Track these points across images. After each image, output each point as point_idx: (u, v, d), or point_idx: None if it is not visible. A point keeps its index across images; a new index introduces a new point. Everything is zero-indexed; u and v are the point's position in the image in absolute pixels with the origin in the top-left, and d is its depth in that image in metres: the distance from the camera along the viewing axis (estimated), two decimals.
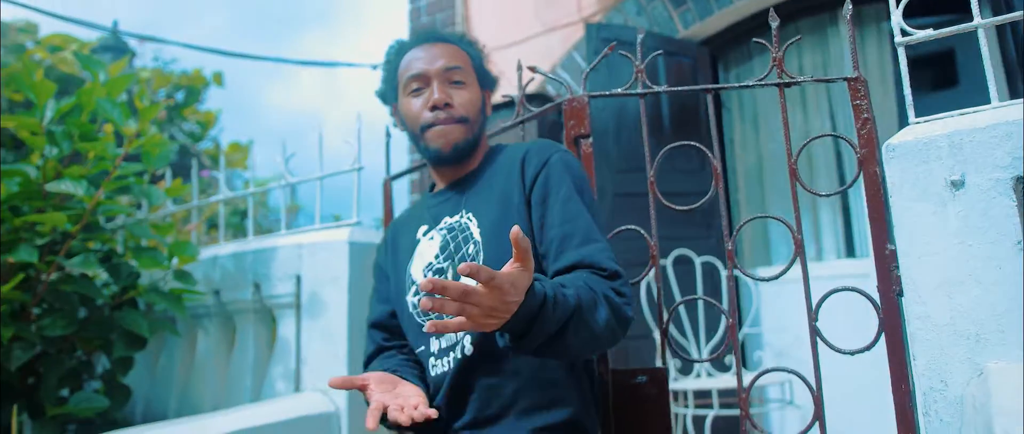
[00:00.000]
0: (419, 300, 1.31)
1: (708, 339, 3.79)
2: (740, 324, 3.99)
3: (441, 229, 1.50)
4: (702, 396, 3.57)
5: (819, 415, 1.49)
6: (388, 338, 1.55)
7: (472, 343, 1.37)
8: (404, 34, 5.89)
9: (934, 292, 1.31)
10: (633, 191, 4.00)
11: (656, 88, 1.78)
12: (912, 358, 1.34)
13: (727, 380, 3.45)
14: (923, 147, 1.34)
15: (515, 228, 1.02)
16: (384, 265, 1.62)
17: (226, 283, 2.52)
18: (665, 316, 1.68)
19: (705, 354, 3.76)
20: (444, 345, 1.41)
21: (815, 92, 4.16)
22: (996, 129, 1.27)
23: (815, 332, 1.51)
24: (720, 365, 3.88)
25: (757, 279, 1.57)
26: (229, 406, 2.39)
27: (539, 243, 1.40)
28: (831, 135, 1.55)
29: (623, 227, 1.73)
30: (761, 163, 4.36)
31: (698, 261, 3.77)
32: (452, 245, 1.46)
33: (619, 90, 1.81)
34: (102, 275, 2.41)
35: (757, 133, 4.42)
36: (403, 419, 1.14)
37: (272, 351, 2.41)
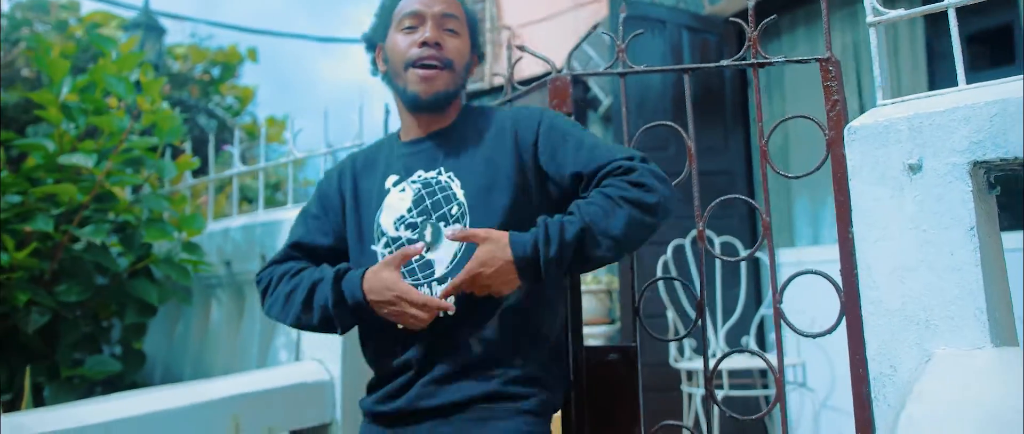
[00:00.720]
0: (395, 249, 1.42)
1: (725, 320, 3.78)
2: (757, 305, 3.96)
3: (414, 182, 1.48)
4: (713, 376, 3.56)
5: (780, 397, 1.49)
6: (306, 264, 1.52)
7: (457, 305, 1.36)
8: None
9: (888, 277, 1.30)
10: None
11: (637, 68, 1.78)
12: (865, 342, 1.33)
13: (740, 361, 3.44)
14: (883, 130, 1.32)
15: (451, 230, 1.18)
16: (337, 202, 1.57)
17: (236, 254, 2.61)
18: (637, 296, 1.69)
19: (722, 335, 3.75)
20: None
21: (843, 72, 4.07)
22: (955, 113, 1.25)
23: (779, 314, 1.51)
24: (735, 346, 3.86)
25: (740, 259, 1.57)
26: (237, 372, 2.48)
27: (548, 176, 1.45)
28: (799, 116, 1.54)
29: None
30: (788, 142, 4.29)
31: (718, 241, 3.75)
32: (428, 201, 1.44)
33: (600, 70, 1.82)
34: (119, 245, 2.51)
35: (784, 111, 4.35)
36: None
37: (275, 322, 2.49)
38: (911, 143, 1.29)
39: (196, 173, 3.53)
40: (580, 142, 1.43)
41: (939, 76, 3.83)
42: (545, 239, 1.26)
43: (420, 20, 1.49)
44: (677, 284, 3.67)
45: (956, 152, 1.24)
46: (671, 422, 1.67)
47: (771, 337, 3.97)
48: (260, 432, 1.95)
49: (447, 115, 1.54)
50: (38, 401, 2.32)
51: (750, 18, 1.61)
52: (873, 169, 1.33)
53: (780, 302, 1.52)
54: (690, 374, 3.66)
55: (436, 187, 1.45)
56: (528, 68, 4.82)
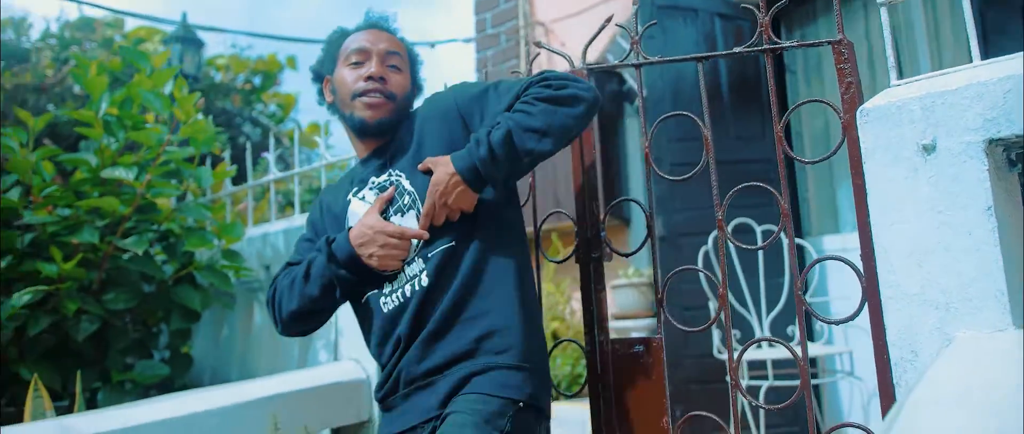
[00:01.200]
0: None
1: (770, 310, 3.73)
2: (805, 292, 3.89)
3: (371, 187, 1.60)
4: (757, 367, 3.53)
5: (805, 385, 1.48)
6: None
7: (429, 276, 1.48)
8: (470, 10, 5.96)
9: (905, 260, 1.28)
10: (689, 161, 3.96)
11: (651, 59, 1.78)
12: (885, 328, 1.31)
13: (783, 351, 3.39)
14: (896, 111, 1.30)
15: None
16: (321, 227, 1.70)
17: (276, 258, 2.68)
18: (661, 287, 1.69)
19: (767, 325, 3.70)
20: (393, 287, 1.52)
21: (898, 53, 3.97)
22: (968, 90, 1.22)
23: (801, 302, 1.50)
24: (781, 337, 3.81)
25: (758, 248, 1.56)
26: (280, 372, 2.55)
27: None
28: (815, 101, 1.52)
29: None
30: (828, 127, 4.21)
31: (759, 229, 3.70)
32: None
33: (617, 62, 1.82)
34: (163, 254, 2.60)
35: (824, 95, 4.27)
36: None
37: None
38: (924, 123, 1.27)
39: (236, 180, 3.63)
40: (498, 86, 1.58)
41: (993, 52, 3.71)
42: (475, 144, 1.43)
43: (366, 56, 1.62)
44: (719, 273, 3.64)
45: (970, 130, 1.22)
46: (700, 412, 1.66)
47: (817, 325, 3.91)
48: (297, 430, 2.00)
49: (390, 132, 1.66)
50: (92, 405, 2.42)
51: (761, 4, 1.60)
52: (887, 151, 1.31)
53: (803, 290, 1.51)
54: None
55: (388, 185, 1.58)
56: (562, 62, 4.83)
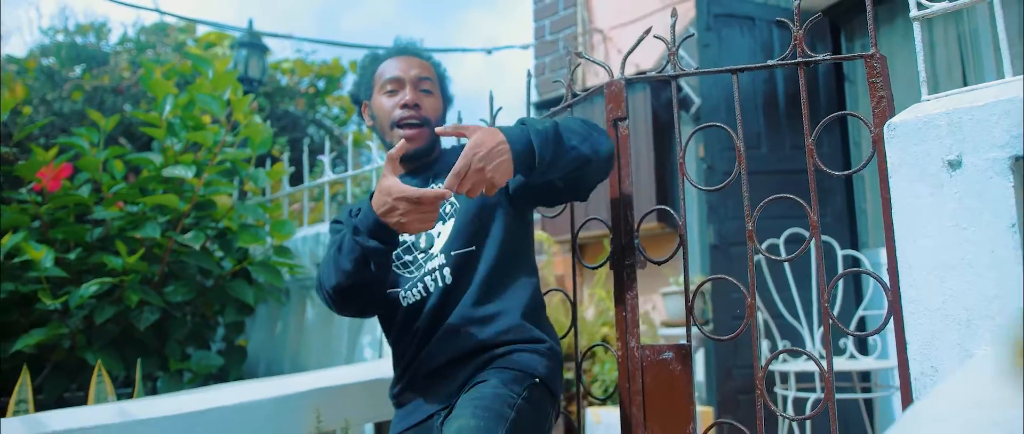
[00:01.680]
0: (399, 253, 1.67)
1: (821, 322, 3.67)
2: (857, 305, 3.82)
3: None
4: (806, 379, 3.48)
5: (830, 397, 1.48)
6: None
7: (451, 272, 1.59)
8: (529, 17, 6.02)
9: (928, 276, 1.28)
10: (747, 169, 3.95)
11: (686, 71, 1.79)
12: (907, 343, 1.31)
13: (838, 363, 3.34)
14: (922, 126, 1.30)
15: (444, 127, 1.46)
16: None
17: None
18: (691, 295, 1.71)
19: (817, 337, 3.65)
20: (412, 281, 1.63)
21: (949, 65, 3.87)
22: (995, 107, 1.22)
23: (828, 314, 1.50)
24: (834, 349, 3.75)
25: (771, 258, 1.57)
26: (328, 367, 2.65)
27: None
28: (846, 114, 1.52)
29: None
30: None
31: (813, 240, 3.65)
32: None
33: (652, 73, 1.84)
34: (220, 249, 2.72)
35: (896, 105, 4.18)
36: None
37: (363, 320, 2.63)
38: (950, 139, 1.26)
39: (295, 180, 3.76)
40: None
41: None
42: (529, 120, 1.49)
43: (399, 84, 1.74)
44: (770, 284, 3.60)
45: (996, 147, 1.21)
46: (726, 421, 1.68)
47: (872, 339, 3.83)
48: (339, 423, 2.08)
49: (431, 158, 1.80)
50: (152, 392, 2.55)
51: (796, 17, 1.60)
52: (912, 166, 1.31)
53: (828, 302, 1.51)
54: (784, 376, 3.58)
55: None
56: (628, 69, 4.85)
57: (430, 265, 1.61)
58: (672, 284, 4.40)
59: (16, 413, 1.99)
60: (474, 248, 1.60)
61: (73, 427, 1.77)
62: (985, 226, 1.21)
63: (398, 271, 1.68)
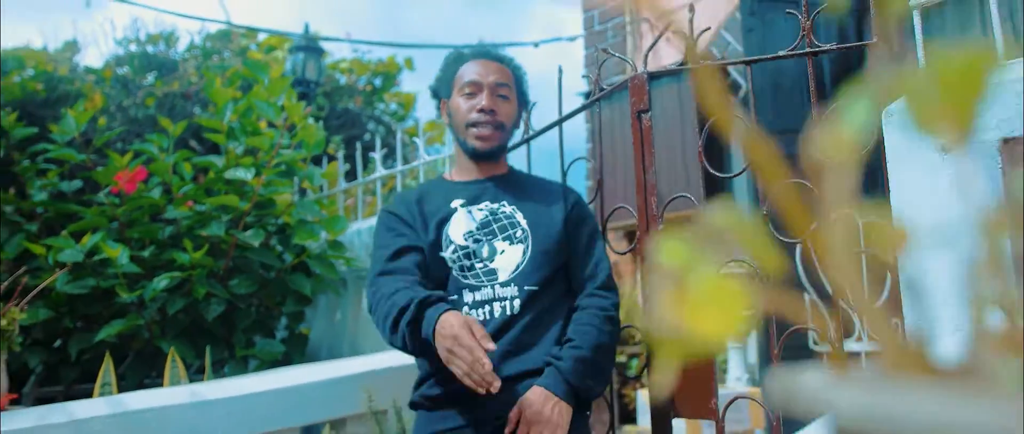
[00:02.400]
0: (460, 254, 1.73)
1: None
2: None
3: (481, 208, 1.80)
4: (853, 359, 3.50)
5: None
6: (405, 264, 1.74)
7: (520, 305, 1.68)
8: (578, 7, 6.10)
9: (924, 255, 1.34)
10: (790, 153, 3.97)
11: (711, 62, 1.87)
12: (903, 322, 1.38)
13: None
14: None
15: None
16: (409, 219, 1.80)
17: None
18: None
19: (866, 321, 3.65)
20: (478, 299, 1.70)
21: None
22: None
23: (836, 303, 1.57)
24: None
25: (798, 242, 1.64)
26: (381, 352, 2.81)
27: (571, 250, 1.81)
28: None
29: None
30: None
31: (860, 222, 3.66)
32: (495, 225, 1.77)
33: (673, 65, 1.93)
34: (280, 245, 2.91)
35: None
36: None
37: None
38: None
39: (351, 176, 3.94)
40: (593, 237, 1.85)
41: None
42: (563, 366, 1.62)
43: (478, 88, 1.81)
44: (817, 265, 3.62)
45: (986, 129, 1.27)
46: (743, 396, 1.76)
47: None
48: (387, 402, 2.23)
49: (500, 164, 1.89)
50: (221, 377, 2.75)
51: (804, 8, 1.67)
52: (908, 151, 1.38)
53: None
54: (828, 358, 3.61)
55: (501, 215, 1.79)
56: (668, 57, 4.90)
57: (502, 293, 1.69)
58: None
59: (101, 394, 2.21)
60: (540, 288, 1.69)
61: (151, 406, 1.97)
62: (974, 205, 1.27)
63: (457, 275, 1.72)
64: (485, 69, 1.82)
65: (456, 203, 1.81)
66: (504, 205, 1.80)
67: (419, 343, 1.57)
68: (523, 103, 1.92)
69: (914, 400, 0.21)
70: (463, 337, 1.44)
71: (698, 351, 0.24)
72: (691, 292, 0.23)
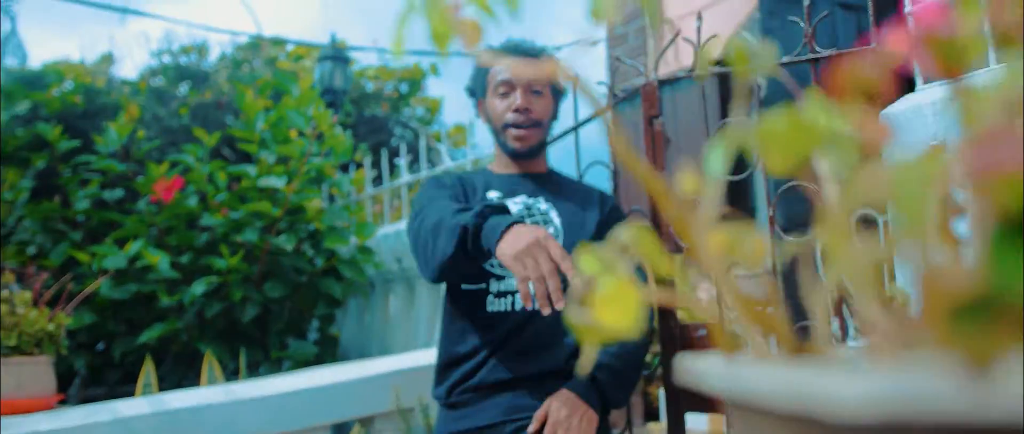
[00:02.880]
0: None
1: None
2: None
3: (517, 201, 1.78)
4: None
5: None
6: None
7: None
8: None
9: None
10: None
11: (711, 71, 1.93)
12: None
13: None
14: (911, 114, 1.42)
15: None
16: (457, 191, 1.77)
17: (405, 252, 3.04)
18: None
19: None
20: (503, 288, 1.70)
21: None
22: None
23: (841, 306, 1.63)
24: None
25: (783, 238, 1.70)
26: (409, 351, 2.91)
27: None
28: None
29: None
30: None
31: (881, 220, 3.69)
32: (528, 220, 1.74)
33: (682, 72, 1.99)
34: (311, 250, 3.03)
35: None
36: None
37: (438, 309, 2.88)
38: (936, 125, 1.38)
39: (379, 182, 4.05)
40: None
41: None
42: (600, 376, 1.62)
43: (511, 87, 1.79)
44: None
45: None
46: None
47: None
48: (414, 400, 2.32)
49: (539, 161, 1.89)
50: (255, 377, 2.87)
51: (806, 14, 1.73)
52: (904, 150, 1.43)
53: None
54: None
55: (536, 211, 1.78)
56: (688, 58, 4.94)
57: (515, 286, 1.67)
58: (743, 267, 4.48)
59: (143, 394, 2.33)
60: (565, 286, 1.58)
61: (189, 405, 2.08)
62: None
63: (484, 267, 1.69)
64: (518, 66, 1.81)
65: (493, 194, 1.79)
66: (540, 202, 1.79)
67: (470, 256, 1.46)
68: (557, 94, 1.88)
69: (757, 374, 0.28)
70: (548, 243, 1.32)
71: (608, 338, 0.32)
72: (599, 292, 0.31)
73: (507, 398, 1.63)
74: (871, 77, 0.35)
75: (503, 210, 1.49)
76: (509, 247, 1.34)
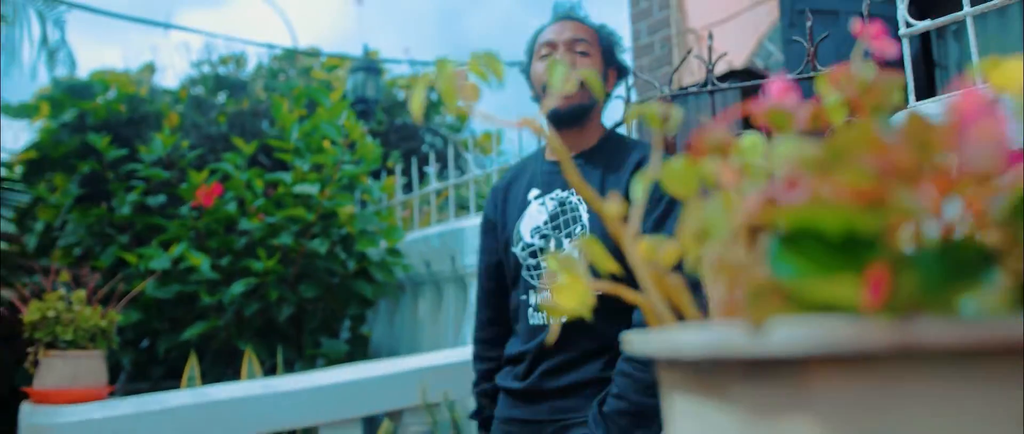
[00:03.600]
0: (527, 253, 1.70)
1: None
2: None
3: (553, 198, 1.71)
4: None
5: None
6: (493, 287, 1.86)
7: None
8: (624, 15, 6.27)
9: None
10: None
11: (722, 87, 2.04)
12: None
13: None
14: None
15: None
16: (493, 217, 1.83)
17: (433, 256, 3.18)
18: None
19: None
20: (540, 300, 1.70)
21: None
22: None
23: None
24: None
25: None
26: (438, 350, 3.05)
27: (644, 225, 1.62)
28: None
29: None
30: None
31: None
32: (561, 218, 1.70)
33: (695, 86, 2.10)
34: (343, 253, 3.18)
35: None
36: None
37: (465, 311, 3.01)
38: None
39: (409, 188, 4.20)
40: (666, 219, 1.58)
41: None
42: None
43: (553, 48, 1.70)
44: None
45: None
46: None
47: None
48: (440, 395, 2.45)
49: (587, 134, 1.74)
50: (290, 372, 3.02)
51: (808, 34, 1.83)
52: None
53: None
54: None
55: (568, 206, 1.70)
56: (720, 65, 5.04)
57: None
58: None
59: (188, 387, 2.49)
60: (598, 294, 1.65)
61: (231, 397, 2.23)
62: None
63: (524, 275, 1.72)
64: (561, 27, 1.73)
65: (532, 193, 1.76)
66: (572, 193, 1.69)
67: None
68: (612, 64, 1.78)
69: (656, 337, 0.41)
70: None
71: (566, 313, 0.44)
72: (557, 283, 0.44)
73: (551, 400, 1.65)
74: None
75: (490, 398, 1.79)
76: None
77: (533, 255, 1.69)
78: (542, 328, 1.65)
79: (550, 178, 1.75)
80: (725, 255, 0.34)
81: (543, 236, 1.70)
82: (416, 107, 0.49)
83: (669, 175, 0.41)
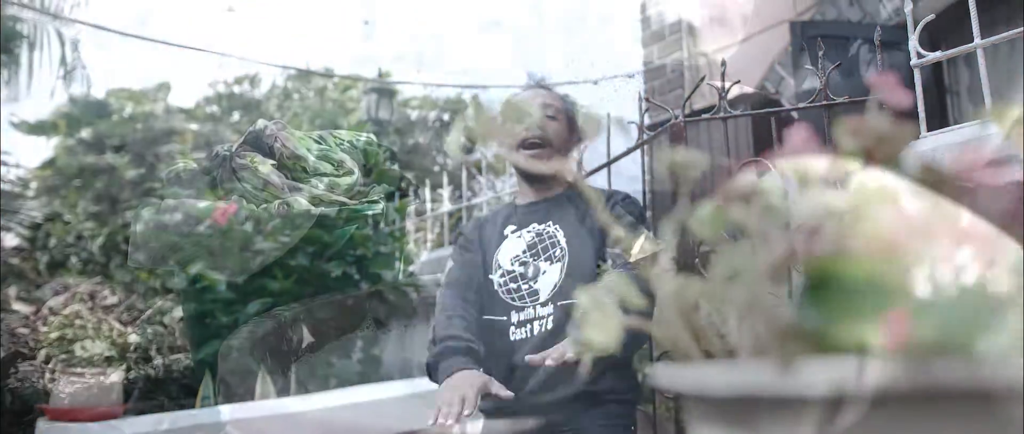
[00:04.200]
0: (507, 279, 1.81)
1: None
2: None
3: (529, 231, 1.88)
4: None
5: None
6: (471, 297, 1.85)
7: (553, 321, 1.76)
8: (636, 38, 6.33)
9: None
10: None
11: (734, 113, 2.07)
12: None
13: None
14: (929, 154, 1.54)
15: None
16: (475, 242, 1.94)
17: None
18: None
19: None
20: (522, 318, 1.79)
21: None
22: (963, 144, 1.45)
23: None
24: None
25: None
26: None
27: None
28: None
29: None
30: None
31: None
32: (539, 246, 1.85)
33: (706, 115, 2.13)
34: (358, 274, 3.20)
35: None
36: None
37: None
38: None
39: (421, 210, 4.24)
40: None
41: None
42: None
43: None
44: None
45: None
46: None
47: None
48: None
49: (557, 184, 1.94)
50: (303, 393, 3.04)
51: (820, 64, 1.85)
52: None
53: None
54: None
55: (545, 236, 1.86)
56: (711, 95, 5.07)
57: (541, 312, 1.76)
58: None
59: (202, 406, 2.51)
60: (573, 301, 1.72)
61: (245, 417, 2.26)
62: None
63: (503, 298, 1.81)
64: (534, 94, 1.94)
65: (508, 229, 1.89)
66: (549, 225, 1.86)
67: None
68: (574, 128, 1.96)
69: (683, 374, 0.43)
70: (468, 392, 1.53)
71: (598, 350, 0.46)
72: (588, 319, 0.46)
73: (536, 416, 1.70)
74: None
75: (467, 350, 1.69)
76: (445, 385, 1.60)
77: (514, 280, 1.80)
78: (524, 341, 1.72)
79: (527, 216, 1.90)
80: (753, 298, 0.36)
81: (522, 263, 1.83)
82: (453, 147, 0.52)
83: (698, 221, 0.43)
